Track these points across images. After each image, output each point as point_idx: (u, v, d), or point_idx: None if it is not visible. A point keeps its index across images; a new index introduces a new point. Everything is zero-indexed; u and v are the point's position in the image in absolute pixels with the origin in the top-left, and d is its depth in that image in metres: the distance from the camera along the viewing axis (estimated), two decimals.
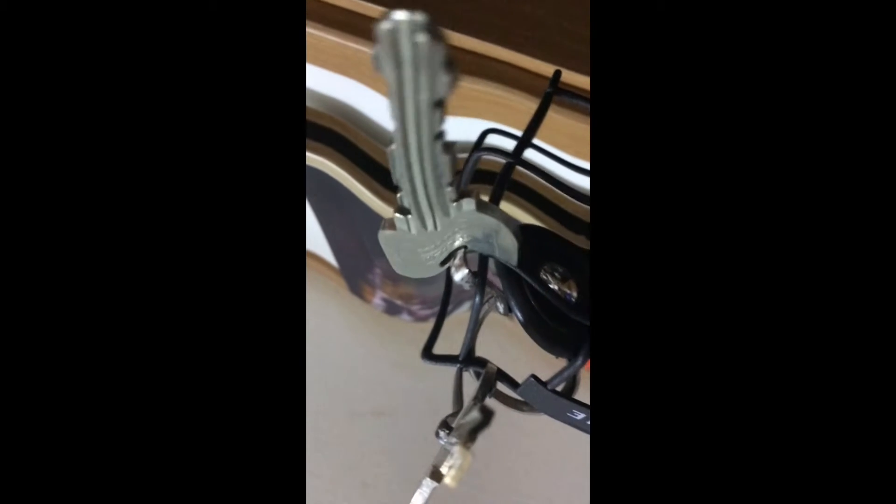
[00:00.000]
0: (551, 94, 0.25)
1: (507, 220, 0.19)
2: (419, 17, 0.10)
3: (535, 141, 0.28)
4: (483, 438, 0.22)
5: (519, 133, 0.28)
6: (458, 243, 0.22)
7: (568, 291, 0.23)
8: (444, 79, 0.11)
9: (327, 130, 0.45)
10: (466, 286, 0.24)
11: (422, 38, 0.10)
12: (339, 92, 0.45)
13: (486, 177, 0.41)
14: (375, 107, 0.45)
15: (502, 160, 0.24)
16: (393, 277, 0.58)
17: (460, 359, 0.25)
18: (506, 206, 0.42)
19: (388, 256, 0.21)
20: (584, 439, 0.25)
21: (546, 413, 0.25)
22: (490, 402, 0.20)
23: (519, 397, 0.25)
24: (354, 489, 0.63)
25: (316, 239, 0.62)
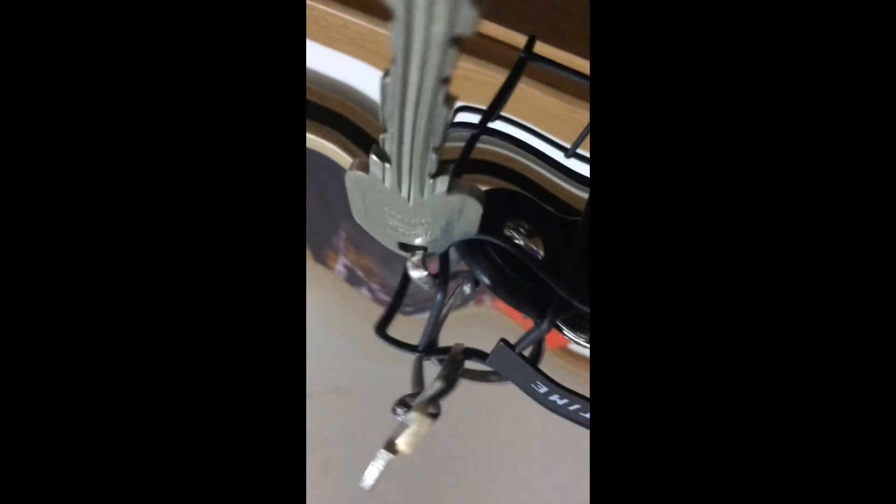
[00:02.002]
0: (525, 59, 0.25)
1: (472, 191, 0.18)
2: None
3: (506, 114, 0.28)
4: (456, 430, 0.22)
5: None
6: (418, 241, 0.21)
7: (534, 248, 0.22)
8: (467, 13, 0.10)
9: (319, 107, 0.44)
10: (425, 287, 0.23)
11: None
12: (338, 69, 0.44)
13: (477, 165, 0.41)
14: (374, 83, 0.44)
15: (468, 133, 0.24)
16: (356, 243, 0.58)
17: (420, 349, 0.24)
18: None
19: (351, 200, 0.20)
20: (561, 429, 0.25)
21: (513, 382, 0.25)
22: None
23: (488, 368, 0.25)
24: (314, 470, 0.62)
25: None
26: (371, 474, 0.20)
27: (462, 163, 0.23)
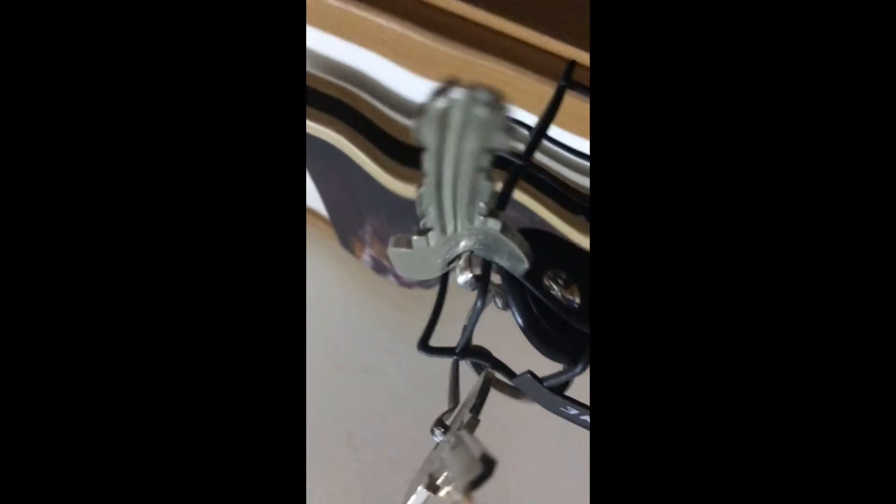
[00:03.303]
0: (564, 88, 0.24)
1: (521, 243, 0.19)
2: (481, 94, 0.09)
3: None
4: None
5: (525, 117, 0.27)
6: (463, 245, 0.21)
7: (570, 297, 0.23)
8: (502, 138, 0.11)
9: (330, 98, 0.44)
10: (469, 289, 0.24)
11: (482, 111, 0.09)
12: (345, 55, 0.43)
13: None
14: (380, 69, 0.43)
15: (512, 159, 0.23)
16: (382, 237, 0.58)
17: (457, 351, 0.25)
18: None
19: (397, 268, 0.21)
20: (567, 433, 0.26)
21: (541, 404, 0.26)
22: (490, 446, 0.20)
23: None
24: (340, 438, 0.64)
25: (307, 190, 0.61)
26: None
27: (507, 195, 0.23)
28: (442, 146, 0.11)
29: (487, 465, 0.15)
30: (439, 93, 0.09)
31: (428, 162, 0.11)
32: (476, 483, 0.15)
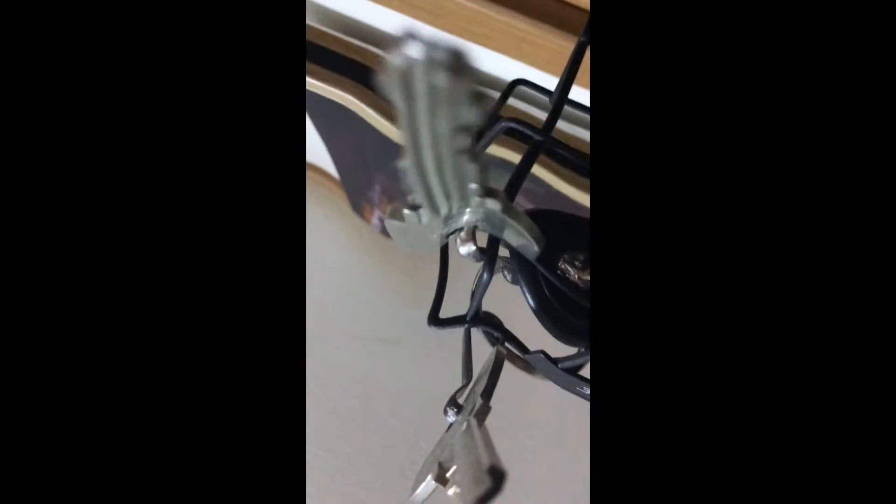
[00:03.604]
0: (586, 44, 0.22)
1: (529, 227, 0.17)
2: (440, 53, 0.07)
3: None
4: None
5: (541, 78, 0.25)
6: (466, 218, 0.20)
7: (588, 279, 0.21)
8: (469, 111, 0.09)
9: (337, 55, 0.42)
10: (472, 260, 0.22)
11: (442, 78, 0.07)
12: (351, 9, 0.41)
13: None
14: (390, 21, 0.41)
15: (530, 133, 0.21)
16: (390, 196, 0.57)
17: (467, 318, 0.24)
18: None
19: (395, 241, 0.19)
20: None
21: (555, 382, 0.25)
22: (499, 449, 0.19)
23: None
24: (357, 399, 0.65)
25: (319, 153, 0.60)
26: (421, 496, 0.20)
27: (518, 180, 0.21)
28: (412, 116, 0.09)
29: (496, 480, 0.14)
30: (396, 46, 0.07)
31: (402, 131, 0.10)
32: (484, 499, 0.14)
